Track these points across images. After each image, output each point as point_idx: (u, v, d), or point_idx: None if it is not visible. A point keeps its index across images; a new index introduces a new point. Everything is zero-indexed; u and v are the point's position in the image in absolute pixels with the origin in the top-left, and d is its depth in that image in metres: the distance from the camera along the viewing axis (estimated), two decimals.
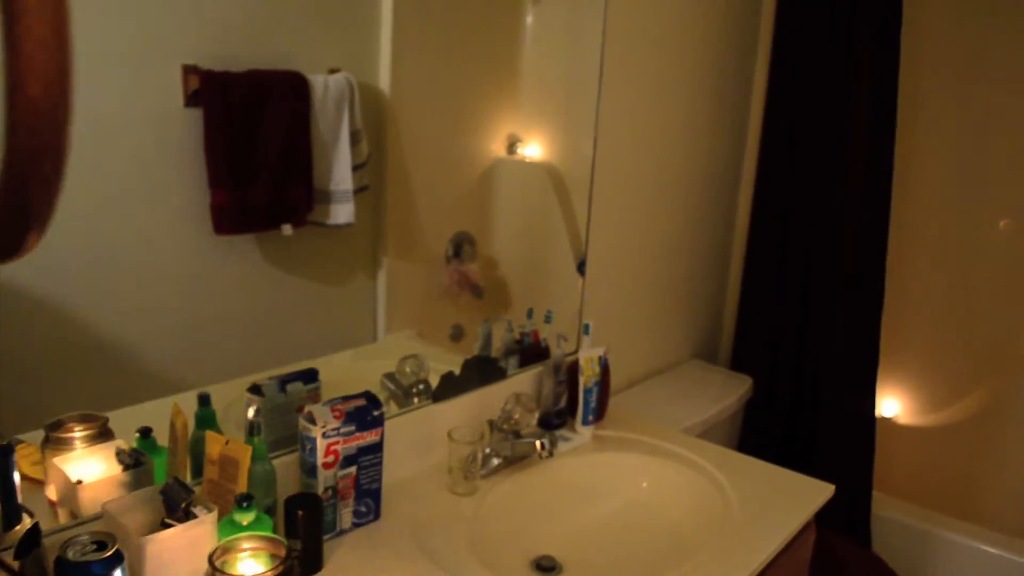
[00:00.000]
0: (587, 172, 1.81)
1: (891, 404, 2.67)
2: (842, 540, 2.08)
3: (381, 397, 1.41)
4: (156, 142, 1.01)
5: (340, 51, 1.20)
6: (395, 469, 1.40)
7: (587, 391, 1.60)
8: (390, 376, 1.47)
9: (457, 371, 1.52)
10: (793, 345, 2.36)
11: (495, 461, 1.44)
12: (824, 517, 1.54)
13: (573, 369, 1.64)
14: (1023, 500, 2.46)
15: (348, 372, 1.34)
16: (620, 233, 1.96)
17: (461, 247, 1.51)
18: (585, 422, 1.62)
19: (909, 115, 2.48)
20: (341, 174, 1.24)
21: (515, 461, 1.47)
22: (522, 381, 1.65)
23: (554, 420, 1.64)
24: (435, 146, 1.40)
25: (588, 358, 1.60)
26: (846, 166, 2.20)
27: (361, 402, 1.23)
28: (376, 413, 1.23)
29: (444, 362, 1.51)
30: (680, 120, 2.10)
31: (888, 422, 2.67)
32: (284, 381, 1.24)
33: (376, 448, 1.24)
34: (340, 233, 1.27)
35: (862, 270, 2.21)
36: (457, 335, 1.55)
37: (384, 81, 1.28)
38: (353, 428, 1.20)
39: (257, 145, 1.12)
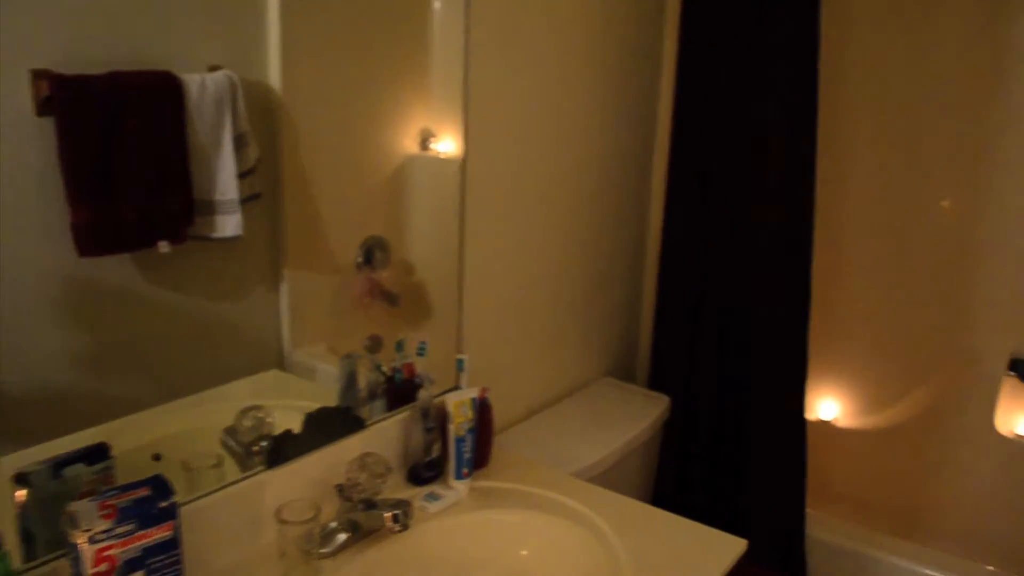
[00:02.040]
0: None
1: (829, 406, 2.51)
2: None
3: (215, 458, 1.19)
4: (2, 157, 0.89)
5: (221, 47, 1.08)
6: (214, 558, 1.16)
7: (459, 441, 1.37)
8: (231, 431, 1.24)
9: (298, 427, 1.29)
10: (715, 356, 2.16)
11: (341, 537, 1.21)
12: (753, 548, 1.35)
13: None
14: (968, 505, 2.31)
15: (228, 413, 1.21)
16: (507, 242, 1.74)
17: (372, 253, 1.40)
18: (459, 476, 1.39)
19: (832, 98, 2.30)
20: (225, 182, 1.12)
21: (368, 534, 1.24)
22: (387, 429, 1.42)
23: (425, 473, 1.41)
24: (338, 145, 1.29)
25: (458, 403, 1.37)
26: (765, 160, 2.01)
27: (145, 491, 0.99)
28: (164, 504, 0.99)
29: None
30: (577, 113, 1.89)
31: (826, 426, 2.52)
32: (59, 464, 1.01)
33: (170, 545, 1.00)
34: (231, 246, 1.15)
35: (785, 268, 2.02)
36: (374, 346, 1.44)
37: (275, 78, 1.16)
38: (133, 527, 0.96)
39: (122, 155, 1.00)
